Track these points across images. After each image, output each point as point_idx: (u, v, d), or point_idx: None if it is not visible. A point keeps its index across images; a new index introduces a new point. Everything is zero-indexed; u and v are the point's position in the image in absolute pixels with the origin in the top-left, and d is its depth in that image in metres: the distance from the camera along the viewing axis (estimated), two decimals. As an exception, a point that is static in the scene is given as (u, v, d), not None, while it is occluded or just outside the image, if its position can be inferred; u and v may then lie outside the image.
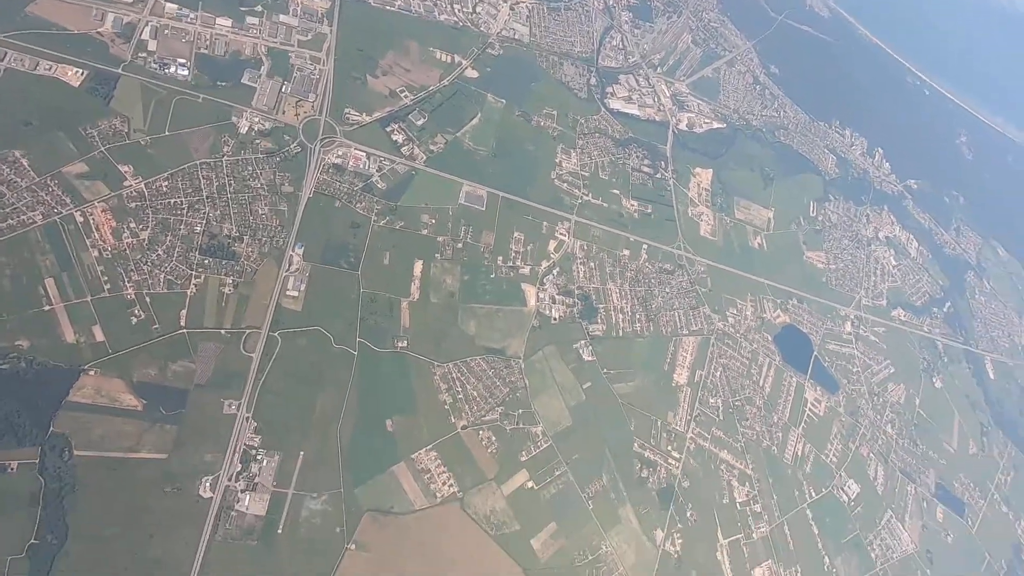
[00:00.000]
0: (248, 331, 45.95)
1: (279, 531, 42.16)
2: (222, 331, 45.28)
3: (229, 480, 42.10)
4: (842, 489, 63.13)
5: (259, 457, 43.50)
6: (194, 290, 45.69)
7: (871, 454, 66.81)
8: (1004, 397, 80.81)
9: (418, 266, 53.69)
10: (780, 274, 71.98)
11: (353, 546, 43.34)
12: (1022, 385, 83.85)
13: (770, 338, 67.61)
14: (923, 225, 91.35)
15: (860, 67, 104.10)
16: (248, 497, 42.21)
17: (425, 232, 55.30)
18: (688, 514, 55.12)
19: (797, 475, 61.71)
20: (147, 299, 44.14)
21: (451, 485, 47.91)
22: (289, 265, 49.31)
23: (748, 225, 73.48)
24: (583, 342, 57.52)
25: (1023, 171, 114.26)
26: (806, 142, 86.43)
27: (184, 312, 44.78)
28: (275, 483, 43.23)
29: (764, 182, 78.14)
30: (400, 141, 58.29)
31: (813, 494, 61.49)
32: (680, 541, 53.98)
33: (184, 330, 44.27)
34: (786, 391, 65.51)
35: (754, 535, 57.20)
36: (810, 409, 65.82)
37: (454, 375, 51.25)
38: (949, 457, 71.66)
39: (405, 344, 50.66)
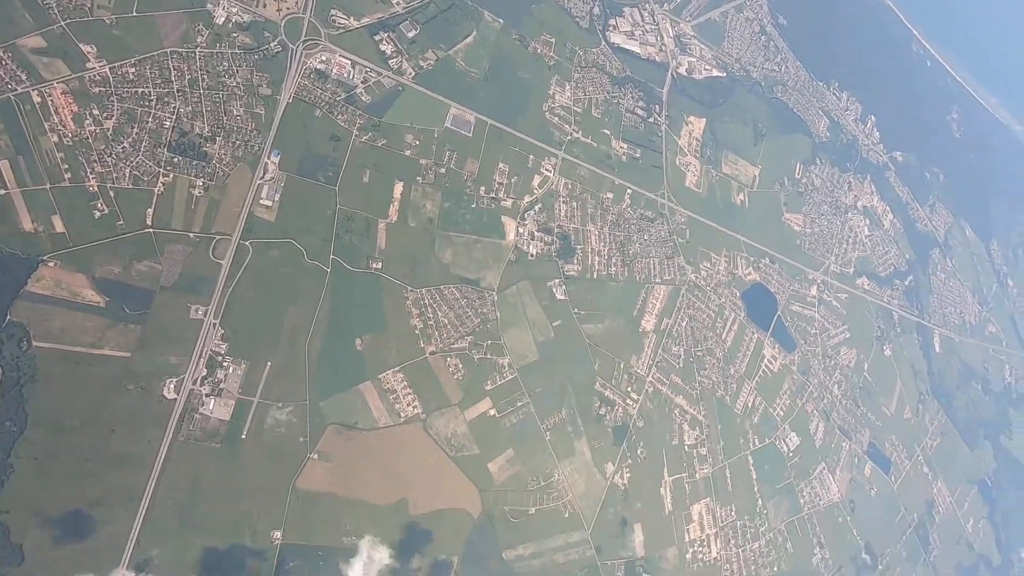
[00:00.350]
0: (218, 237, 44.66)
1: (243, 436, 43.01)
2: (191, 234, 43.86)
3: (194, 384, 42.26)
4: (784, 440, 67.13)
5: (225, 364, 43.56)
6: (162, 189, 43.77)
7: (815, 411, 70.75)
8: (945, 370, 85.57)
9: (398, 188, 52.33)
10: (757, 233, 72.76)
11: (316, 456, 44.69)
12: (963, 360, 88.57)
13: (738, 294, 69.25)
14: (901, 198, 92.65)
15: (868, 28, 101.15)
16: (213, 402, 42.60)
17: (408, 153, 53.51)
18: (639, 451, 58.12)
19: (745, 424, 65.16)
20: (111, 193, 42.18)
21: (415, 407, 49.21)
22: (264, 173, 47.42)
23: (733, 180, 73.31)
24: (557, 281, 57.95)
25: (1006, 155, 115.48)
26: (802, 101, 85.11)
27: (150, 211, 43.06)
28: (241, 390, 43.63)
29: (755, 138, 77.32)
30: (388, 52, 55.12)
31: (757, 443, 65.27)
32: (628, 475, 57.21)
33: (150, 229, 42.74)
34: (746, 346, 67.96)
35: (697, 475, 60.92)
36: (766, 364, 68.70)
37: (426, 301, 51.38)
38: (885, 420, 76.43)
39: (380, 266, 50.17)
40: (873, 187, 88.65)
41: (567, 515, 53.13)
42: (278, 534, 42.51)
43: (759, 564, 61.89)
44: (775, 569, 62.52)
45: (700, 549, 59.37)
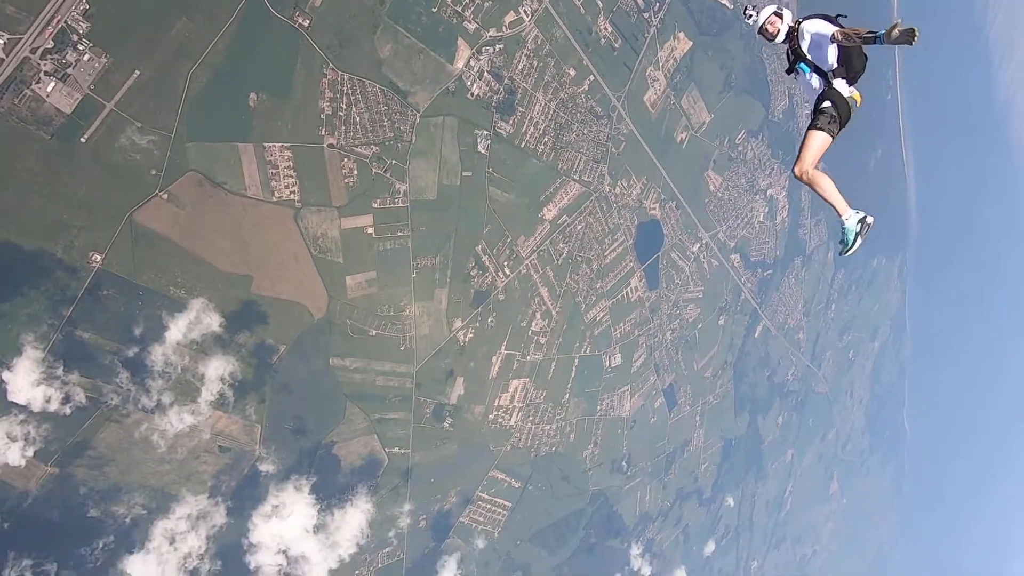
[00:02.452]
0: None
1: (82, 140, 36.81)
2: None
3: (32, 53, 34.43)
4: (610, 358, 74.98)
5: (81, 48, 35.78)
6: None
7: (645, 344, 79.36)
8: (752, 352, 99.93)
9: (359, -56, 44.00)
10: (678, 176, 74.85)
11: (165, 196, 40.04)
12: (768, 351, 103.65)
13: (635, 222, 72.20)
14: (800, 202, 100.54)
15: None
16: (52, 84, 35.36)
17: (386, -92, 44.55)
18: (489, 320, 61.21)
19: (586, 333, 71.24)
20: None
21: (293, 192, 45.57)
22: None
23: (685, 117, 73.20)
24: (486, 132, 55.02)
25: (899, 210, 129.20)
26: (778, 73, 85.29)
27: None
28: (93, 88, 36.57)
29: (724, 87, 76.80)
30: None
31: (588, 351, 72.13)
32: (471, 336, 60.46)
33: None
34: (619, 270, 72.39)
35: (528, 357, 66.36)
36: (627, 292, 74.30)
37: (345, 88, 45.91)
38: (690, 372, 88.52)
39: (307, 24, 43.07)
40: (787, 183, 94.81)
41: (403, 348, 55.35)
42: (98, 257, 38.60)
43: (543, 441, 71.22)
44: (553, 449, 72.44)
45: (502, 415, 66.46)
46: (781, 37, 10.93)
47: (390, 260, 52.36)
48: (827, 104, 9.83)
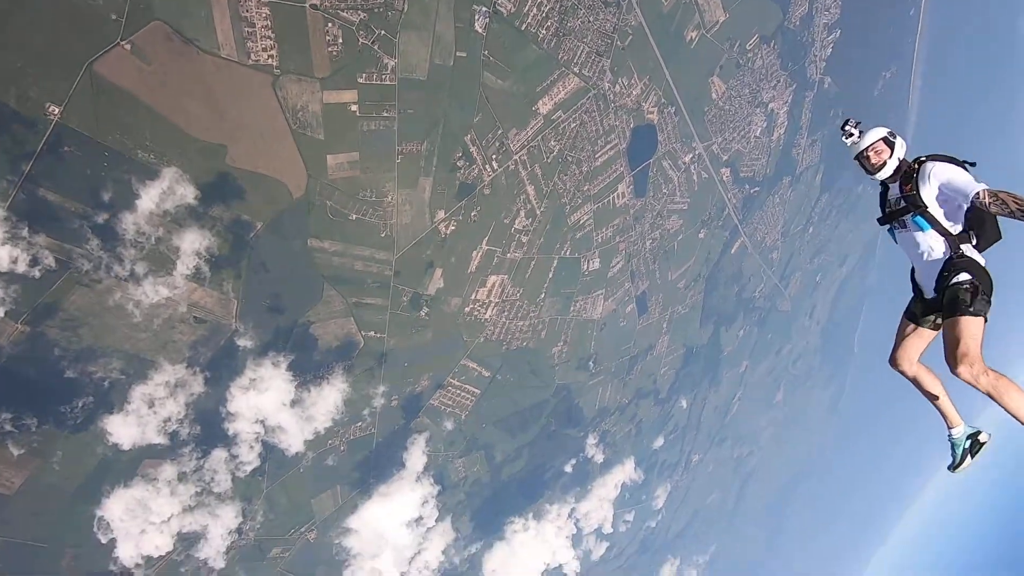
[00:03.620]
0: None
1: (28, -31, 32.48)
2: None
3: None
4: (589, 262, 75.64)
5: None
6: None
7: (624, 251, 80.00)
8: (726, 267, 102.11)
9: None
10: (682, 79, 71.25)
11: (128, 46, 36.22)
12: (740, 267, 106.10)
13: (631, 125, 69.60)
14: (799, 121, 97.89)
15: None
16: None
17: None
18: (472, 214, 60.20)
19: (568, 235, 71.07)
20: None
21: (272, 56, 41.73)
22: None
23: (698, 13, 68.23)
24: (485, 9, 50.47)
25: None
26: (803, -26, 79.06)
27: None
28: (36, -96, 31.63)
29: (744, -17, 71.09)
30: None
31: (568, 253, 72.44)
32: (453, 228, 59.64)
33: None
34: (609, 174, 70.85)
35: (508, 254, 66.41)
36: (614, 197, 73.38)
37: (331, -61, 40.87)
38: (664, 282, 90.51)
39: None
40: (790, 98, 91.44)
41: (383, 235, 54.55)
42: (55, 109, 35.50)
43: (515, 336, 73.53)
44: (524, 344, 75.05)
45: (478, 309, 67.72)
46: (886, 172, 8.60)
47: (374, 142, 49.83)
48: (964, 277, 7.66)
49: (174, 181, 34.69)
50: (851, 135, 8.76)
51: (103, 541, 35.79)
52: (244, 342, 41.86)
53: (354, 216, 51.62)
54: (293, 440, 43.60)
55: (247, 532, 46.99)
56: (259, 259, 46.47)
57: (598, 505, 74.07)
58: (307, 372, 49.91)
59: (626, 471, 78.06)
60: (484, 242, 63.62)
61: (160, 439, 36.68)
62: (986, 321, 7.32)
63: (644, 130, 71.71)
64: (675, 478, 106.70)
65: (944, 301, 7.72)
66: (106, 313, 38.84)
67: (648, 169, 75.43)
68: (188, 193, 36.43)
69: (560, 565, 71.04)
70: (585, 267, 76.89)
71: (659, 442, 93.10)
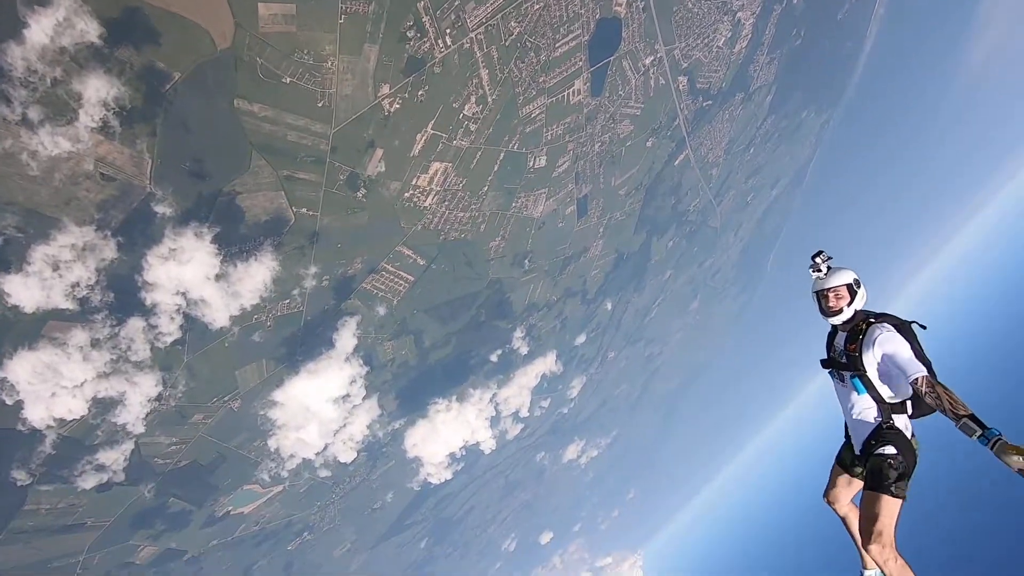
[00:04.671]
0: None
1: None
2: None
3: None
4: (536, 158, 73.99)
5: None
6: None
7: (572, 151, 78.65)
8: (665, 178, 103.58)
9: None
10: (657, -30, 66.72)
11: None
12: (681, 180, 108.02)
13: (597, 16, 65.43)
14: (763, 35, 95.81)
15: None
16: None
17: None
18: (420, 92, 56.09)
19: (518, 128, 68.48)
20: None
21: None
22: None
23: None
24: None
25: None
26: None
27: None
28: None
29: None
30: None
31: (516, 147, 70.27)
32: (397, 107, 55.57)
33: None
34: (567, 67, 67.40)
35: (455, 141, 63.49)
36: (569, 93, 70.52)
37: None
38: (607, 188, 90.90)
39: None
40: (759, 9, 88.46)
41: (320, 105, 50.13)
42: None
43: (454, 227, 72.63)
44: (462, 236, 74.56)
45: (418, 195, 65.55)
46: (840, 319, 8.58)
47: (314, 4, 43.93)
48: (890, 451, 7.77)
49: (72, 12, 29.14)
50: (819, 270, 8.70)
51: (8, 402, 34.28)
52: (162, 208, 38.51)
53: (288, 79, 46.67)
54: (217, 315, 42.26)
55: (167, 399, 46.61)
56: (178, 116, 41.67)
57: (518, 392, 79.18)
58: (232, 245, 47.44)
59: (547, 363, 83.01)
60: (430, 126, 60.05)
61: (68, 304, 34.25)
62: (904, 501, 7.56)
63: (609, 23, 67.78)
64: (590, 371, 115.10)
65: (868, 467, 8.01)
66: (-6, 160, 34.07)
67: (608, 67, 72.30)
68: (91, 29, 30.92)
69: (478, 443, 76.82)
70: (531, 163, 75.17)
71: (581, 339, 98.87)
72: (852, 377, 8.23)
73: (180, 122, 42.09)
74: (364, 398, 60.14)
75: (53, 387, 35.66)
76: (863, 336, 8.17)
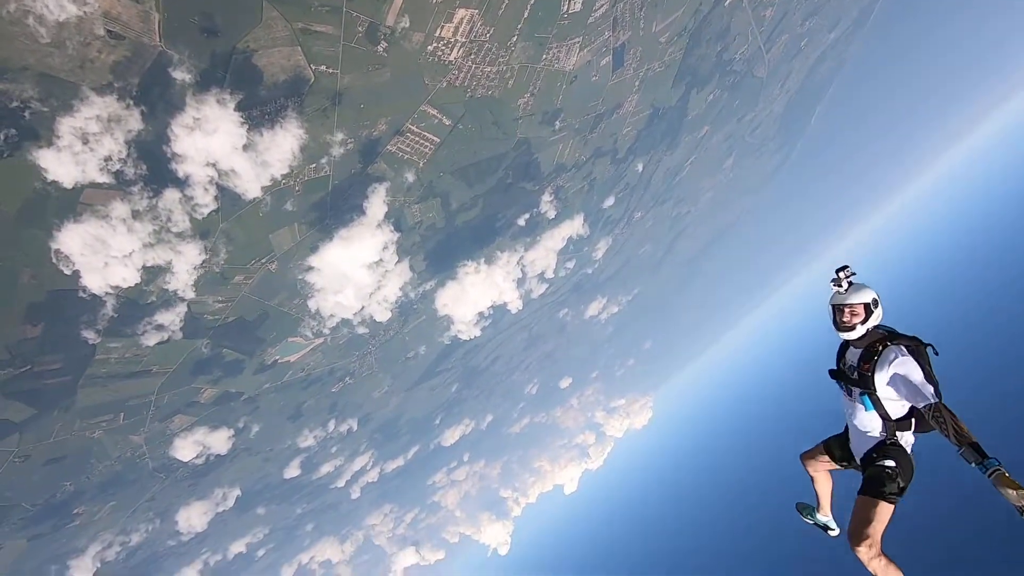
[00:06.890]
0: None
1: None
2: None
3: None
4: (570, 1, 66.24)
5: None
6: None
7: (611, -8, 69.89)
8: (713, 22, 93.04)
9: None
10: None
11: None
12: (727, 25, 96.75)
13: None
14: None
15: None
16: None
17: None
18: (442, -78, 48.89)
19: (552, -36, 60.36)
20: None
21: None
22: None
23: None
24: None
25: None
26: None
27: None
28: None
29: None
30: None
31: (549, -12, 62.55)
32: (417, -59, 48.99)
33: None
34: None
35: (481, -16, 56.76)
36: (613, -82, 60.61)
37: None
38: (648, 35, 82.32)
39: None
40: None
41: (332, -58, 44.34)
42: None
43: (481, 83, 67.93)
44: (489, 93, 70.04)
45: (443, 48, 60.39)
46: (852, 335, 8.59)
47: None
48: (890, 464, 8.05)
49: None
50: (840, 285, 8.73)
51: (66, 272, 36.09)
52: (180, 75, 36.31)
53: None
54: (249, 185, 42.03)
55: (210, 264, 48.57)
56: (178, -39, 37.49)
57: (544, 254, 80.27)
58: (254, 108, 45.59)
59: (575, 226, 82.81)
60: (451, -31, 53.17)
61: (105, 178, 34.21)
62: (896, 506, 7.90)
63: None
64: (616, 232, 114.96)
65: (866, 473, 8.35)
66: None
67: None
68: None
69: (505, 303, 79.95)
70: (565, 8, 67.37)
71: (610, 201, 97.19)
72: (862, 394, 8.60)
73: (182, -31, 37.96)
74: (396, 263, 61.73)
75: (104, 258, 37.10)
76: (878, 357, 8.38)
